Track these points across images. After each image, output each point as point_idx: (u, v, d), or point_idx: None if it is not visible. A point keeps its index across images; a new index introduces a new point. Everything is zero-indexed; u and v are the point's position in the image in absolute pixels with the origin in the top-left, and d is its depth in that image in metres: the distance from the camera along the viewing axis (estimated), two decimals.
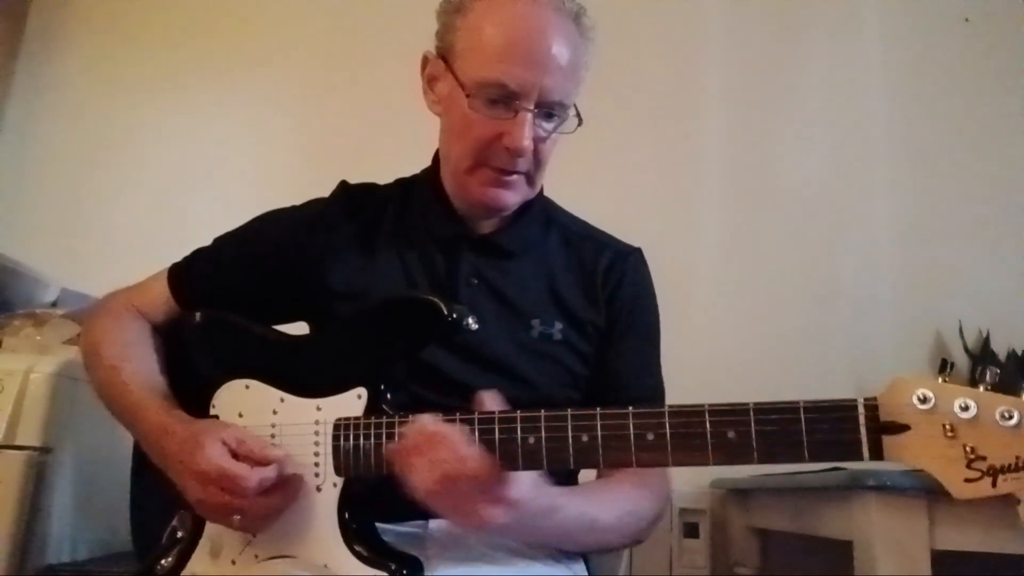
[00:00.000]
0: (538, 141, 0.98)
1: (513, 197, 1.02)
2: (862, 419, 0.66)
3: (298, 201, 1.12)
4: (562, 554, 1.02)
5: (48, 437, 1.42)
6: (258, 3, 2.40)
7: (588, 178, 1.76)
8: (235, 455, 0.87)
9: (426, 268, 1.05)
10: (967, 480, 0.62)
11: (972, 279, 2.00)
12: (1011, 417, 0.62)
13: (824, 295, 2.03)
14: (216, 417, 0.97)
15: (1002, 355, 1.85)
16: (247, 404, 0.95)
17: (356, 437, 0.87)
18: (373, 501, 0.89)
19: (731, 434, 0.69)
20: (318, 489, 0.89)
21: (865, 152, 2.12)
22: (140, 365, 1.02)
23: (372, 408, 0.88)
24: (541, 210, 1.12)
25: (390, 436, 0.84)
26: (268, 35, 2.36)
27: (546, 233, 1.11)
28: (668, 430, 0.71)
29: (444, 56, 1.01)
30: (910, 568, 1.16)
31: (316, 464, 0.89)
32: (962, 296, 1.98)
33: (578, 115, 1.00)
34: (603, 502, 0.89)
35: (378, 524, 0.90)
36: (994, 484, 0.62)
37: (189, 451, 0.87)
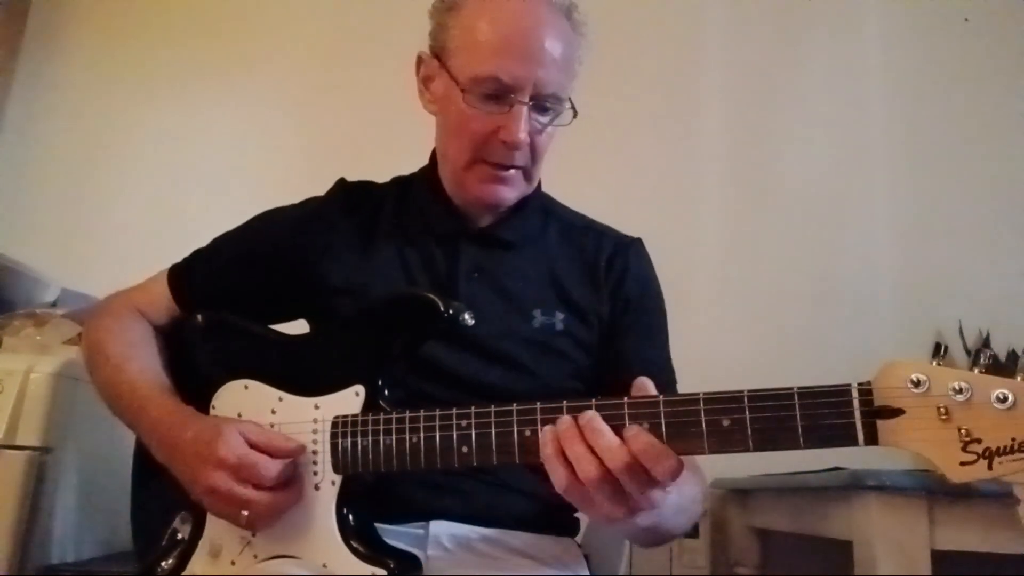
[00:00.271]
0: (534, 134, 0.98)
1: (511, 193, 1.02)
2: (856, 404, 0.66)
3: (298, 200, 1.12)
4: (568, 556, 1.02)
5: (48, 437, 1.42)
6: (258, 3, 2.41)
7: (588, 177, 1.76)
8: (252, 446, 0.87)
9: (425, 263, 1.05)
10: (963, 463, 0.62)
11: (972, 279, 2.00)
12: (1006, 399, 0.62)
13: (824, 295, 2.03)
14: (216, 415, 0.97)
15: (1002, 355, 1.85)
16: (246, 404, 0.96)
17: (354, 435, 0.86)
18: (372, 500, 0.89)
19: (725, 422, 0.69)
20: (316, 488, 0.89)
21: (865, 151, 2.12)
22: (145, 364, 1.03)
23: (370, 405, 0.88)
24: (539, 203, 1.12)
25: (387, 433, 0.84)
26: (268, 35, 2.36)
27: (545, 225, 1.11)
28: (663, 419, 0.71)
29: (438, 55, 1.01)
30: (910, 568, 1.16)
31: (314, 463, 0.89)
32: (962, 296, 1.98)
33: (573, 108, 1.01)
34: (683, 485, 0.85)
35: (380, 525, 0.90)
36: (990, 467, 0.61)
37: (207, 440, 0.87)
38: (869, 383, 0.66)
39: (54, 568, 1.41)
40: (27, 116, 2.39)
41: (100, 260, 2.02)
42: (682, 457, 0.71)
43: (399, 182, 1.14)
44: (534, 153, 1.01)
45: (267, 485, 0.86)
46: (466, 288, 1.02)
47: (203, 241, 1.12)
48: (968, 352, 1.90)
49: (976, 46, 2.15)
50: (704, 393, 0.71)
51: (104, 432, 1.22)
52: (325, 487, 0.88)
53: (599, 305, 1.05)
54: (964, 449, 0.62)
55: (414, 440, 0.82)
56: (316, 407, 0.91)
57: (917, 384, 0.64)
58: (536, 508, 0.99)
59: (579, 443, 0.71)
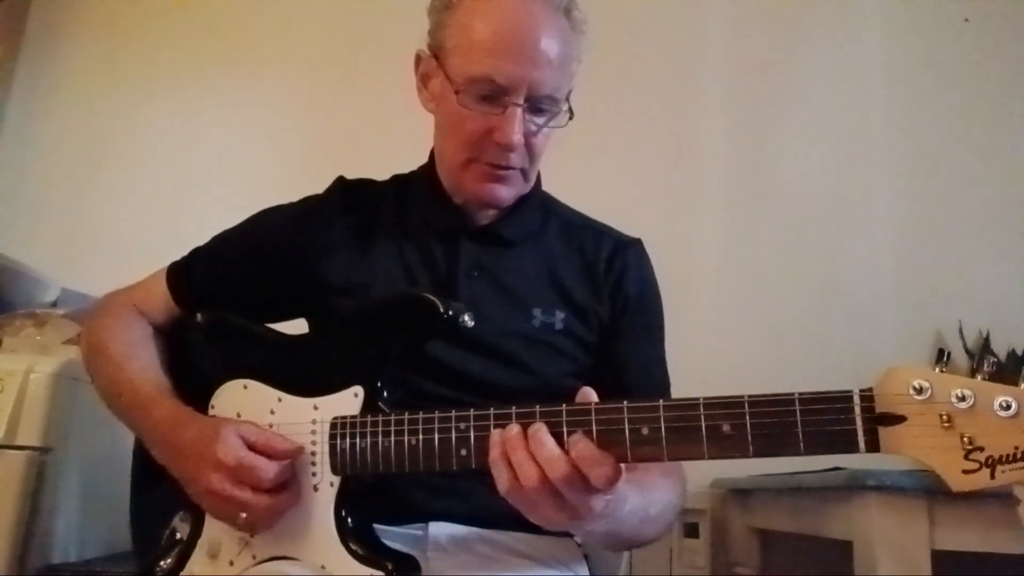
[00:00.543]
0: (529, 135, 0.98)
1: (508, 192, 1.02)
2: (858, 410, 0.65)
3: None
4: (568, 556, 1.02)
5: (48, 437, 1.42)
6: (258, 4, 2.41)
7: (588, 177, 1.76)
8: (251, 448, 0.87)
9: (425, 261, 1.05)
10: (965, 471, 0.61)
11: (972, 279, 2.00)
12: (1009, 407, 0.61)
13: (824, 295, 2.03)
14: (215, 417, 0.97)
15: (1002, 355, 1.85)
16: (245, 404, 0.95)
17: (352, 436, 0.86)
18: (371, 501, 0.89)
19: (726, 427, 0.68)
20: (315, 489, 0.88)
21: (865, 151, 2.12)
22: (145, 364, 1.02)
23: (369, 406, 0.88)
24: (539, 201, 1.12)
25: (386, 434, 0.84)
26: (268, 35, 2.36)
27: (545, 223, 1.11)
28: (663, 424, 0.71)
29: (436, 53, 1.01)
30: (910, 568, 1.16)
31: (313, 464, 0.89)
32: (962, 296, 1.98)
33: (570, 110, 1.00)
34: (649, 493, 0.87)
35: (378, 526, 0.90)
36: (993, 475, 0.60)
37: (207, 441, 0.87)
38: (871, 389, 0.65)
39: (55, 568, 1.41)
40: (27, 116, 2.39)
41: (100, 260, 2.02)
42: (662, 464, 0.73)
43: (398, 180, 1.14)
44: (531, 153, 1.00)
45: (265, 487, 0.86)
46: (466, 286, 1.02)
47: (203, 241, 1.12)
48: (968, 353, 1.90)
49: (976, 46, 2.15)
50: (704, 398, 0.70)
51: (104, 432, 1.22)
52: (324, 488, 0.88)
53: (598, 305, 1.05)
54: (967, 457, 0.61)
55: (413, 442, 0.82)
56: (315, 408, 0.90)
57: (919, 391, 0.64)
58: None
59: (522, 450, 0.73)
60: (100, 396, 1.04)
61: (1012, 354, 1.85)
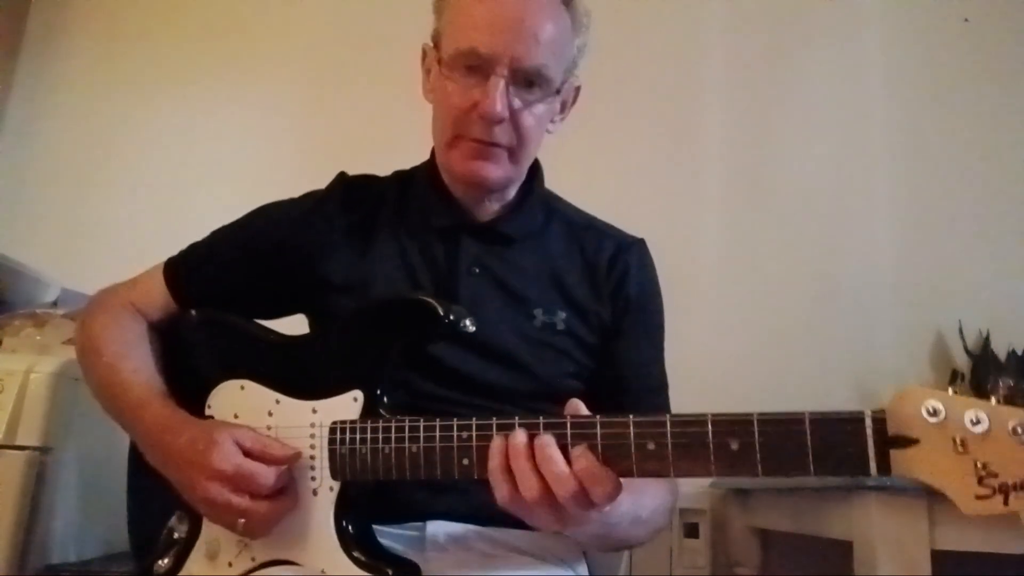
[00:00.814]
0: (516, 112, 0.97)
1: (495, 171, 1.00)
2: (869, 432, 0.63)
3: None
4: (568, 553, 1.01)
5: (48, 437, 1.42)
6: (258, 4, 2.41)
7: (589, 177, 1.76)
8: (247, 454, 0.86)
9: (426, 259, 1.04)
10: (978, 497, 0.60)
11: (972, 279, 2.00)
12: None
13: (824, 295, 2.03)
14: (211, 418, 0.97)
15: (1002, 355, 1.85)
16: (242, 405, 0.95)
17: (352, 441, 0.85)
18: (371, 504, 0.88)
19: (734, 445, 0.67)
20: (314, 493, 0.88)
21: (865, 151, 2.12)
22: (140, 364, 1.01)
23: (369, 411, 0.87)
24: (542, 199, 1.11)
25: (386, 441, 0.83)
26: (268, 35, 2.36)
27: (548, 222, 1.10)
28: (670, 440, 0.69)
29: (435, 40, 1.02)
30: (910, 568, 1.16)
31: (312, 468, 0.88)
32: (962, 296, 1.98)
33: (567, 102, 1.00)
34: (641, 496, 0.87)
35: (376, 526, 0.89)
36: (1006, 502, 0.59)
37: (201, 449, 0.86)
38: (883, 411, 0.63)
39: (54, 568, 1.41)
40: (27, 116, 2.39)
41: (100, 260, 2.01)
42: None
43: (400, 176, 1.13)
44: (518, 132, 0.99)
45: (263, 495, 0.85)
46: (467, 285, 1.01)
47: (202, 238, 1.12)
48: (968, 353, 1.90)
49: (976, 46, 2.15)
50: (712, 414, 0.68)
51: (104, 432, 1.21)
52: (323, 492, 0.87)
53: (599, 305, 1.05)
54: (980, 483, 0.60)
55: (413, 449, 0.81)
56: (314, 411, 0.89)
57: (933, 413, 0.62)
58: None
59: (526, 461, 0.72)
60: (94, 395, 1.04)
61: (1012, 354, 1.85)
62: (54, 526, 1.43)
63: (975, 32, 2.16)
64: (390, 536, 0.92)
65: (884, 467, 0.63)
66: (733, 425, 0.67)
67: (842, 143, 2.13)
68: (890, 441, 0.63)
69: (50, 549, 1.42)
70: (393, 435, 0.82)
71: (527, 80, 0.96)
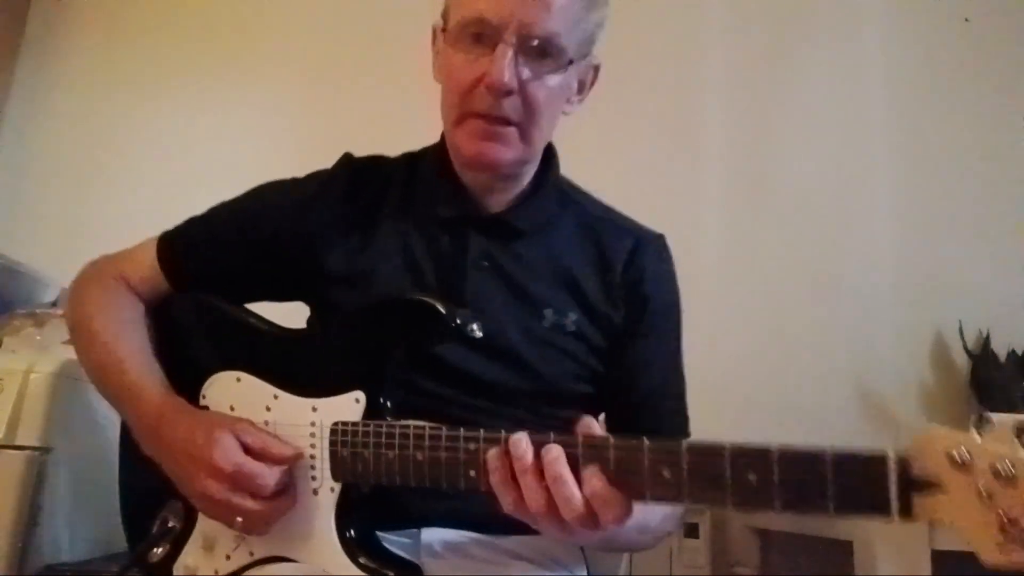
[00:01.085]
0: (527, 84, 0.91)
1: (505, 152, 0.94)
2: (892, 475, 0.59)
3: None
4: (567, 556, 1.00)
5: (48, 437, 1.42)
6: (258, 4, 2.40)
7: (588, 177, 1.75)
8: (248, 451, 0.83)
9: (431, 251, 0.99)
10: (998, 545, 0.57)
11: (972, 279, 1.99)
12: None
13: (824, 295, 2.03)
14: (206, 408, 0.94)
15: (1002, 355, 1.85)
16: (239, 398, 0.92)
17: (354, 444, 0.83)
18: (370, 506, 0.87)
19: (752, 477, 0.64)
20: (315, 493, 0.86)
21: (866, 151, 2.12)
22: (135, 345, 0.97)
23: (371, 413, 0.85)
24: (557, 189, 1.05)
25: (390, 447, 0.80)
26: (268, 35, 2.36)
27: (561, 214, 1.04)
28: (685, 467, 0.66)
29: (444, 18, 0.98)
30: (910, 568, 1.16)
31: (313, 467, 0.86)
32: (962, 296, 1.98)
33: (580, 78, 0.96)
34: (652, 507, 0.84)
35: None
36: None
37: (201, 444, 0.83)
38: (907, 452, 0.61)
39: (54, 568, 1.41)
40: (27, 116, 2.39)
41: None
42: None
43: (409, 159, 1.08)
44: (528, 107, 0.92)
45: (265, 495, 0.83)
46: (473, 280, 0.97)
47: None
48: (968, 353, 1.90)
49: (976, 46, 2.15)
50: (731, 445, 0.65)
51: (103, 432, 1.22)
52: (324, 493, 0.86)
53: (612, 308, 1.00)
54: (1002, 531, 0.58)
55: (419, 457, 0.78)
56: (314, 409, 0.87)
57: (959, 462, 0.59)
58: None
59: (533, 477, 0.69)
60: (86, 373, 1.00)
61: (1012, 354, 1.85)
62: (54, 526, 1.43)
63: (975, 32, 2.15)
64: (384, 542, 0.90)
65: (906, 510, 0.60)
66: (752, 458, 0.64)
67: (842, 143, 2.13)
68: (913, 484, 0.60)
69: (49, 549, 1.42)
70: (397, 441, 0.80)
71: (537, 50, 0.90)
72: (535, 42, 0.90)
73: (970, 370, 1.89)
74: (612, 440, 0.69)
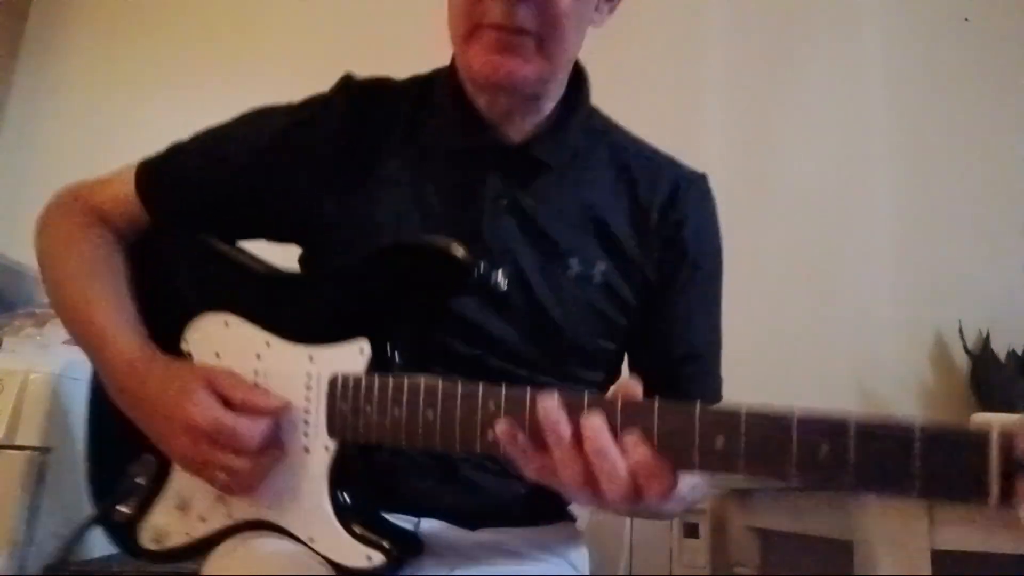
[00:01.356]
0: None
1: (523, 66, 0.82)
2: (995, 453, 0.50)
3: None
4: (569, 549, 0.95)
5: (48, 437, 1.42)
6: (258, 4, 2.40)
7: None
8: (227, 403, 0.76)
9: (442, 189, 0.88)
10: None
11: (972, 279, 1.99)
12: None
13: (824, 295, 2.03)
14: (188, 355, 0.85)
15: (1002, 355, 1.85)
16: (226, 344, 0.83)
17: (356, 399, 0.74)
18: (368, 473, 0.79)
19: (823, 452, 0.55)
20: (306, 450, 0.77)
21: (865, 152, 2.12)
22: (108, 286, 0.88)
23: (376, 365, 0.75)
24: (586, 118, 0.94)
25: (396, 402, 0.71)
26: (268, 35, 2.36)
27: (592, 147, 0.93)
28: (743, 437, 0.57)
29: None
30: (910, 568, 1.16)
31: (306, 422, 0.77)
32: (962, 296, 1.98)
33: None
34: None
35: None
36: None
37: (175, 398, 0.76)
38: (1013, 429, 0.51)
39: (54, 568, 1.41)
40: (27, 116, 2.39)
41: None
42: None
43: (418, 82, 0.96)
44: (547, 14, 0.81)
45: (249, 451, 0.75)
46: (491, 222, 0.87)
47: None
48: (968, 352, 1.90)
49: (976, 46, 2.15)
50: (799, 412, 0.56)
51: None
52: (317, 451, 0.77)
53: (646, 257, 0.90)
54: None
55: (429, 416, 0.69)
56: (310, 358, 0.78)
57: None
58: (535, 496, 0.88)
59: (570, 449, 0.61)
60: (55, 312, 0.93)
61: (1012, 354, 1.84)
62: (54, 526, 1.43)
63: (975, 32, 2.15)
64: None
65: (1007, 496, 0.51)
66: (824, 429, 0.55)
67: (842, 143, 2.13)
68: (1018, 465, 0.50)
69: (50, 549, 1.42)
70: (405, 396, 0.71)
71: None
72: None
73: (970, 370, 1.88)
74: (658, 404, 0.61)
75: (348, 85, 0.96)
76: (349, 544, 0.75)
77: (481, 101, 0.89)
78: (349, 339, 0.78)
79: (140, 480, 0.85)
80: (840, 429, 0.55)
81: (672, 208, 0.92)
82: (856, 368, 1.95)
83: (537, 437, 0.62)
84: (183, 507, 0.83)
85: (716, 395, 0.95)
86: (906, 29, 2.18)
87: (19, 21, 2.42)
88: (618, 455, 0.60)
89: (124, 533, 0.86)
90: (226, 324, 0.84)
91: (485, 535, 0.88)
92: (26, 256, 1.91)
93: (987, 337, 1.89)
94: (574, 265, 0.87)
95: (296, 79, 2.39)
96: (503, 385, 0.67)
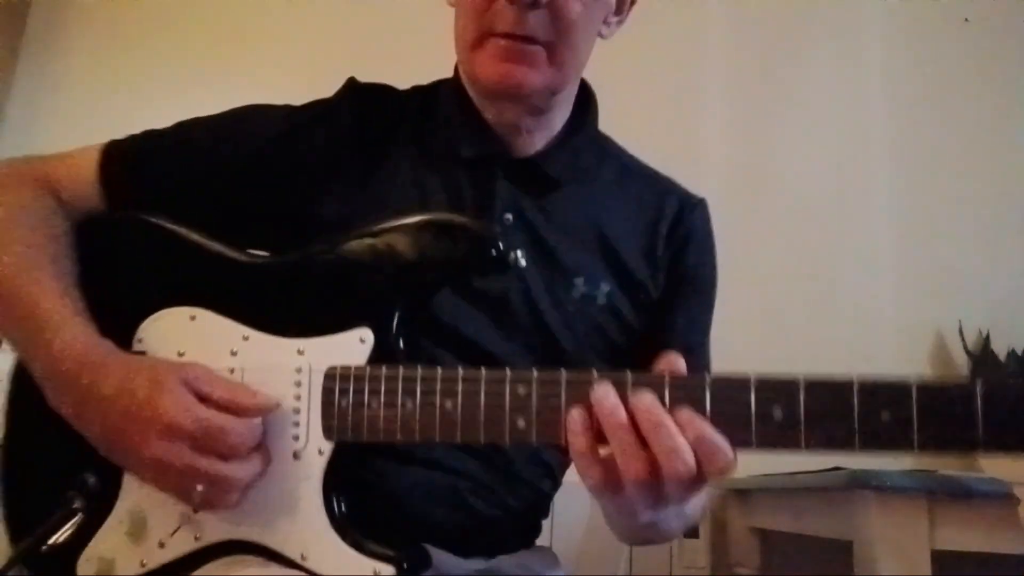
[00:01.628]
0: None
1: (533, 76, 0.80)
2: None
3: None
4: (548, 568, 0.93)
5: None
6: (258, 4, 2.40)
7: None
8: (205, 400, 0.67)
9: (450, 198, 0.85)
10: None
11: (972, 279, 2.00)
12: None
13: (824, 295, 2.03)
14: (143, 354, 0.74)
15: (1002, 355, 1.85)
16: (192, 340, 0.73)
17: (358, 392, 0.67)
18: (365, 480, 0.73)
19: (885, 415, 0.55)
20: (295, 456, 0.69)
21: (865, 152, 2.12)
22: (54, 267, 0.76)
23: (379, 356, 0.69)
24: (594, 138, 0.94)
25: (408, 393, 0.65)
26: (268, 36, 2.36)
27: (600, 166, 0.92)
28: (802, 405, 0.57)
29: None
30: (910, 568, 1.16)
31: (296, 424, 0.69)
32: (962, 296, 1.98)
33: (620, 4, 0.85)
34: None
35: None
36: None
37: (144, 397, 0.66)
38: None
39: None
40: (27, 116, 2.39)
41: None
42: None
43: (421, 92, 0.94)
44: (559, 23, 0.78)
45: (240, 455, 0.66)
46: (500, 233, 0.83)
47: None
48: (968, 352, 1.90)
49: (976, 46, 2.15)
50: (859, 377, 0.57)
51: None
52: (309, 456, 0.69)
53: (651, 280, 0.89)
54: None
55: (448, 406, 0.64)
56: (299, 351, 0.70)
57: None
58: (519, 523, 0.89)
59: (629, 433, 0.57)
60: None
61: (1012, 354, 1.85)
62: None
63: (975, 32, 2.16)
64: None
65: None
66: (886, 392, 0.56)
67: (842, 143, 2.14)
68: None
69: None
70: (419, 387, 0.65)
71: None
72: None
73: (970, 370, 1.88)
74: (709, 377, 0.59)
75: (353, 89, 0.93)
76: (352, 558, 0.67)
77: (489, 112, 0.87)
78: (347, 328, 0.70)
79: (77, 504, 0.70)
80: (902, 392, 0.55)
81: (677, 230, 0.91)
82: (856, 368, 1.92)
83: (596, 433, 0.59)
84: (136, 531, 0.70)
85: None
86: (906, 29, 2.18)
87: (19, 21, 2.42)
88: (677, 430, 0.57)
89: (57, 569, 0.71)
90: (192, 318, 0.74)
91: (478, 563, 0.85)
92: None
93: (987, 337, 1.89)
94: (579, 285, 0.85)
95: (296, 80, 2.39)
96: (533, 370, 0.62)
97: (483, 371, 0.64)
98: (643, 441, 0.57)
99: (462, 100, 0.88)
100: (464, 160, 0.86)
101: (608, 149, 0.96)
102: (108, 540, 0.71)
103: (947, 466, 1.33)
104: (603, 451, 0.59)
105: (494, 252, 0.70)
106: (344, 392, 0.68)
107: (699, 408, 0.58)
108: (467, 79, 0.87)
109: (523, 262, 0.76)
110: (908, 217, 2.07)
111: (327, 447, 0.69)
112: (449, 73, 0.93)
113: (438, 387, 0.64)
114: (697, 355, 0.92)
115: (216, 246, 0.79)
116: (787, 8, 2.22)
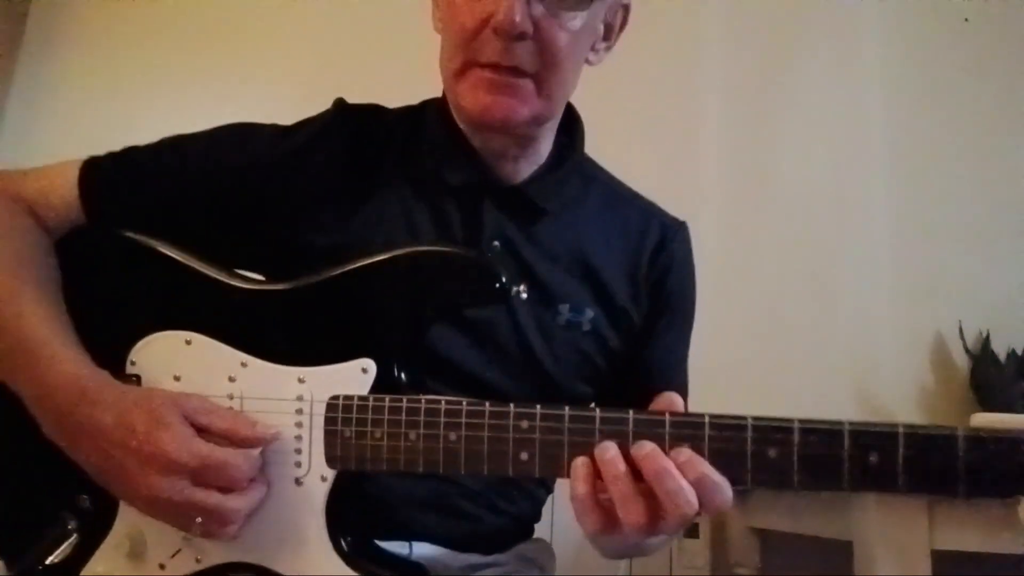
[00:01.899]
0: (542, 25, 0.76)
1: (519, 108, 0.79)
2: None
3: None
4: (547, 560, 0.96)
5: None
6: (258, 4, 2.40)
7: None
8: (203, 432, 0.67)
9: (438, 225, 0.85)
10: None
11: (972, 280, 1.99)
12: None
13: (823, 296, 2.03)
14: (135, 379, 0.73)
15: (1002, 355, 1.85)
16: (188, 365, 0.73)
17: (361, 423, 0.68)
18: (359, 511, 0.74)
19: (873, 458, 0.58)
20: (297, 482, 0.70)
21: (864, 152, 2.12)
22: (40, 292, 0.73)
23: (381, 386, 0.70)
24: (580, 164, 0.94)
25: (412, 425, 0.66)
26: (268, 36, 2.36)
27: (585, 193, 0.93)
28: (796, 448, 0.60)
29: None
30: (910, 568, 1.16)
31: (297, 450, 0.70)
32: (962, 297, 1.98)
33: (606, 20, 0.85)
34: None
35: None
36: None
37: (144, 432, 0.65)
38: None
39: None
40: (27, 117, 2.39)
41: None
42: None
43: (410, 113, 0.93)
44: (546, 54, 0.78)
45: (239, 488, 0.67)
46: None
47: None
48: (968, 352, 1.90)
49: (976, 46, 2.15)
50: (850, 422, 0.60)
51: None
52: (311, 483, 0.70)
53: (634, 304, 0.91)
54: None
55: (452, 438, 0.65)
56: (300, 380, 0.71)
57: None
58: (514, 524, 0.91)
59: (629, 484, 0.60)
60: None
61: (1012, 354, 1.85)
62: None
63: (975, 32, 2.15)
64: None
65: None
66: (875, 438, 0.59)
67: (841, 143, 2.13)
68: None
69: None
70: (422, 418, 0.66)
71: None
72: None
73: (970, 370, 1.88)
74: (708, 417, 0.62)
75: (342, 112, 0.91)
76: None
77: (475, 139, 0.87)
78: (349, 357, 0.71)
79: (72, 525, 0.71)
80: (888, 438, 0.58)
81: (659, 256, 0.93)
82: (856, 368, 1.94)
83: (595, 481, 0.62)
84: (136, 553, 0.70)
85: None
86: (905, 29, 2.18)
87: (19, 21, 2.42)
88: (678, 473, 0.60)
89: None
90: (188, 343, 0.74)
91: (475, 557, 0.87)
92: None
93: (987, 337, 1.89)
94: (564, 312, 0.87)
95: (295, 80, 2.40)
96: (537, 405, 0.65)
97: (487, 405, 0.66)
98: (642, 489, 0.60)
99: (449, 126, 0.88)
100: (452, 187, 0.87)
101: (593, 174, 0.97)
102: (106, 561, 0.71)
103: None
104: (604, 496, 0.62)
105: (497, 285, 0.72)
106: (347, 422, 0.69)
107: (698, 448, 0.61)
108: (452, 106, 0.86)
109: (524, 295, 0.77)
110: (907, 218, 2.07)
111: (330, 474, 0.70)
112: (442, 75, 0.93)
113: (441, 419, 0.66)
114: (675, 375, 0.95)
115: (209, 270, 0.78)
116: (785, 9, 2.22)
